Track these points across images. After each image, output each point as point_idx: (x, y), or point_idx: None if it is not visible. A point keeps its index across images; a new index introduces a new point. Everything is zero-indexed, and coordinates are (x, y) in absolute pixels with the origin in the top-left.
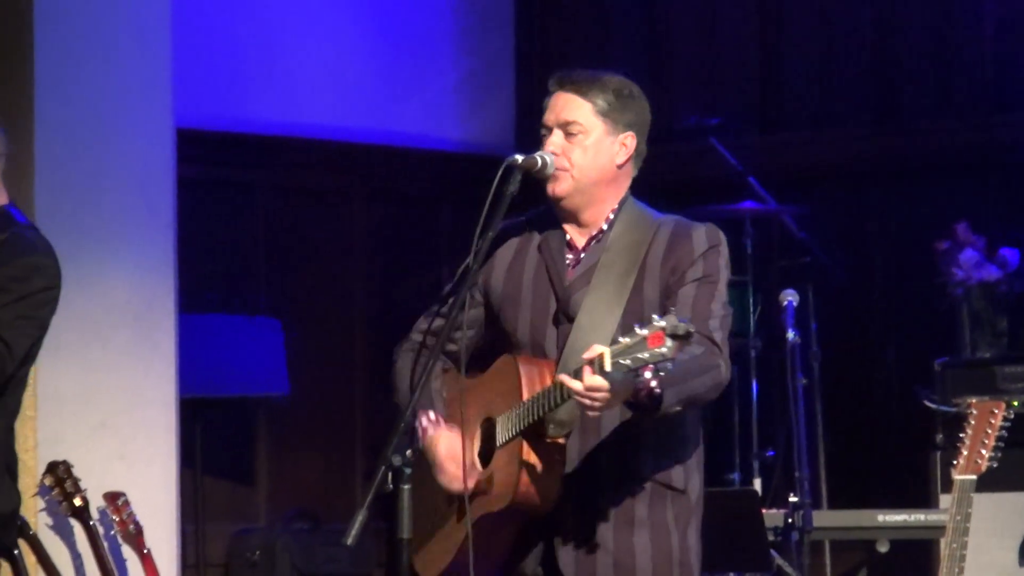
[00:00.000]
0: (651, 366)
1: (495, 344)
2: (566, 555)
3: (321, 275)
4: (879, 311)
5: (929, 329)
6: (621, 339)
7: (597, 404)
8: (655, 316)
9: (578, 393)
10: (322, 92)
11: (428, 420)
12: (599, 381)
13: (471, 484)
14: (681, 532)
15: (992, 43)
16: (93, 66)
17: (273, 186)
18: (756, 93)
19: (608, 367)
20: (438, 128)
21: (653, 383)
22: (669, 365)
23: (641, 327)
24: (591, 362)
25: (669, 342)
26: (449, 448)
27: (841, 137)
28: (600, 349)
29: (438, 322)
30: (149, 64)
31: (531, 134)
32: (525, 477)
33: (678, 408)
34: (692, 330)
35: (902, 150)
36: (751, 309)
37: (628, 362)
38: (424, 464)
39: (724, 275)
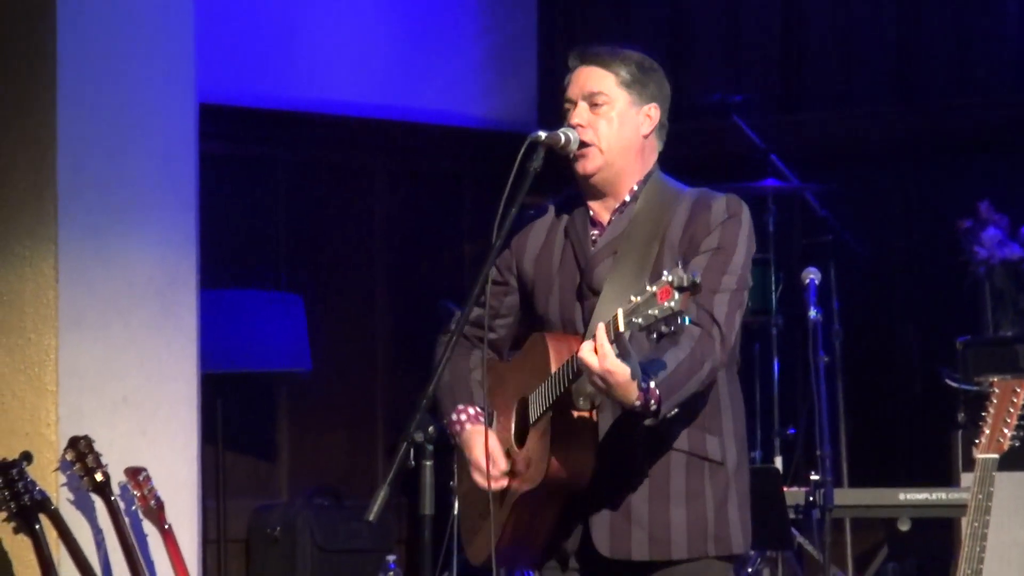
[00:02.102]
0: (651, 383)
1: (532, 332)
2: (600, 532)
3: (342, 251)
4: (901, 289)
5: (951, 307)
6: (633, 297)
7: (599, 383)
8: (664, 272)
9: (589, 367)
10: (344, 68)
11: (467, 416)
12: (612, 364)
13: (501, 475)
14: (718, 505)
15: (1015, 21)
16: (116, 42)
17: (295, 162)
18: (779, 71)
19: (622, 327)
20: (460, 104)
21: (652, 401)
22: (680, 320)
23: (651, 284)
24: (607, 324)
25: (677, 295)
26: (481, 447)
27: (863, 115)
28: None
29: (476, 311)
30: (172, 39)
31: (554, 110)
32: (556, 454)
33: (675, 411)
34: (698, 281)
35: (924, 128)
36: (773, 287)
37: (640, 320)
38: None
39: (743, 246)
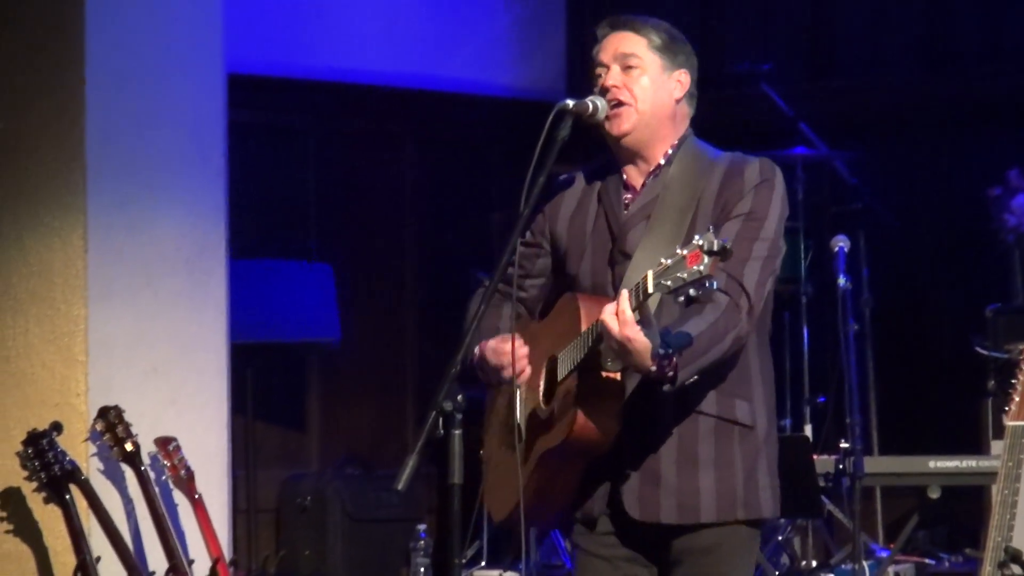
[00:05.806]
0: (671, 355)
1: (561, 294)
2: (630, 495)
3: (372, 220)
4: (930, 257)
5: (981, 275)
6: (663, 260)
7: (616, 348)
8: (696, 236)
9: (609, 331)
10: (374, 37)
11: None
12: (631, 331)
13: (523, 356)
14: (748, 470)
15: None
16: (144, 11)
17: (324, 131)
18: (808, 39)
19: (651, 288)
20: (489, 73)
21: (668, 370)
22: (708, 284)
23: (681, 247)
24: (636, 286)
25: (706, 259)
26: (505, 344)
27: (893, 83)
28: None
29: (510, 269)
30: (200, 9)
31: (582, 79)
32: (581, 412)
33: (695, 379)
34: (729, 247)
35: (954, 96)
36: (802, 255)
37: (669, 283)
38: (493, 411)
39: (775, 210)
